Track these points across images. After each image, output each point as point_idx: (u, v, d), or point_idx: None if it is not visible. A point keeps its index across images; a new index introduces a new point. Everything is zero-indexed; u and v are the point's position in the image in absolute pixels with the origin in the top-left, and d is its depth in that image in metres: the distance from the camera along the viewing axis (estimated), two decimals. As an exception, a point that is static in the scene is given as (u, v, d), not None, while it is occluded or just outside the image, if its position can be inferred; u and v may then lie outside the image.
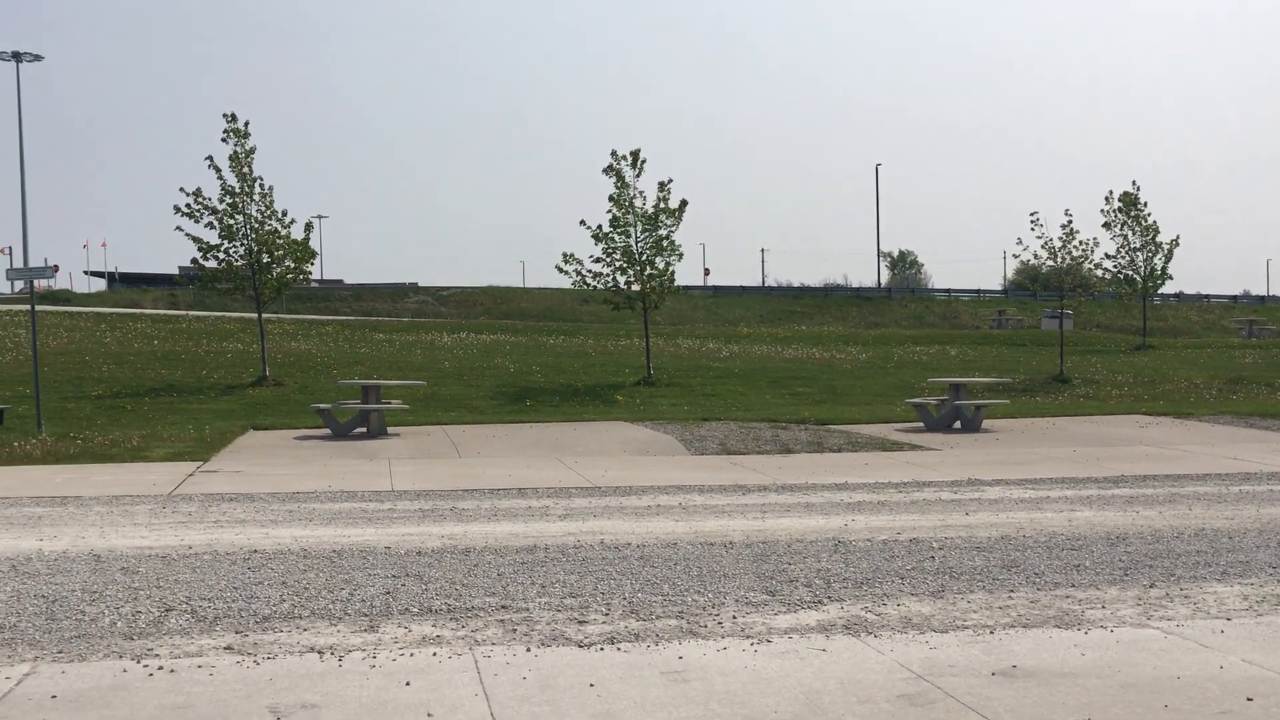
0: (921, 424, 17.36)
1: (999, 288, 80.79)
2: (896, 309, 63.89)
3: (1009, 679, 5.00)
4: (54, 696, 4.74)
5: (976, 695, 4.78)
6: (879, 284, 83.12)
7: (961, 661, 5.25)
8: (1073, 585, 6.79)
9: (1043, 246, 26.45)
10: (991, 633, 5.74)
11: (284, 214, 23.13)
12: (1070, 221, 26.50)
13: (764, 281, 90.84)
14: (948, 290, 74.15)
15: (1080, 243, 26.59)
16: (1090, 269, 28.95)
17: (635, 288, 24.39)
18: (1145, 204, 34.62)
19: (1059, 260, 26.59)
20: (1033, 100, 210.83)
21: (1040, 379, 26.54)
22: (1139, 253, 34.89)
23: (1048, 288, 32.26)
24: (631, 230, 24.05)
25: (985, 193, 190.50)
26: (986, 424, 17.40)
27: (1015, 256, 31.10)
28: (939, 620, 5.98)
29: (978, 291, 74.25)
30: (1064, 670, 5.12)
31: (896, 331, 49.23)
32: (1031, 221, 26.13)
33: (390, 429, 16.66)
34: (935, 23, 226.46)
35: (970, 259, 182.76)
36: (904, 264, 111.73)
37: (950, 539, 8.23)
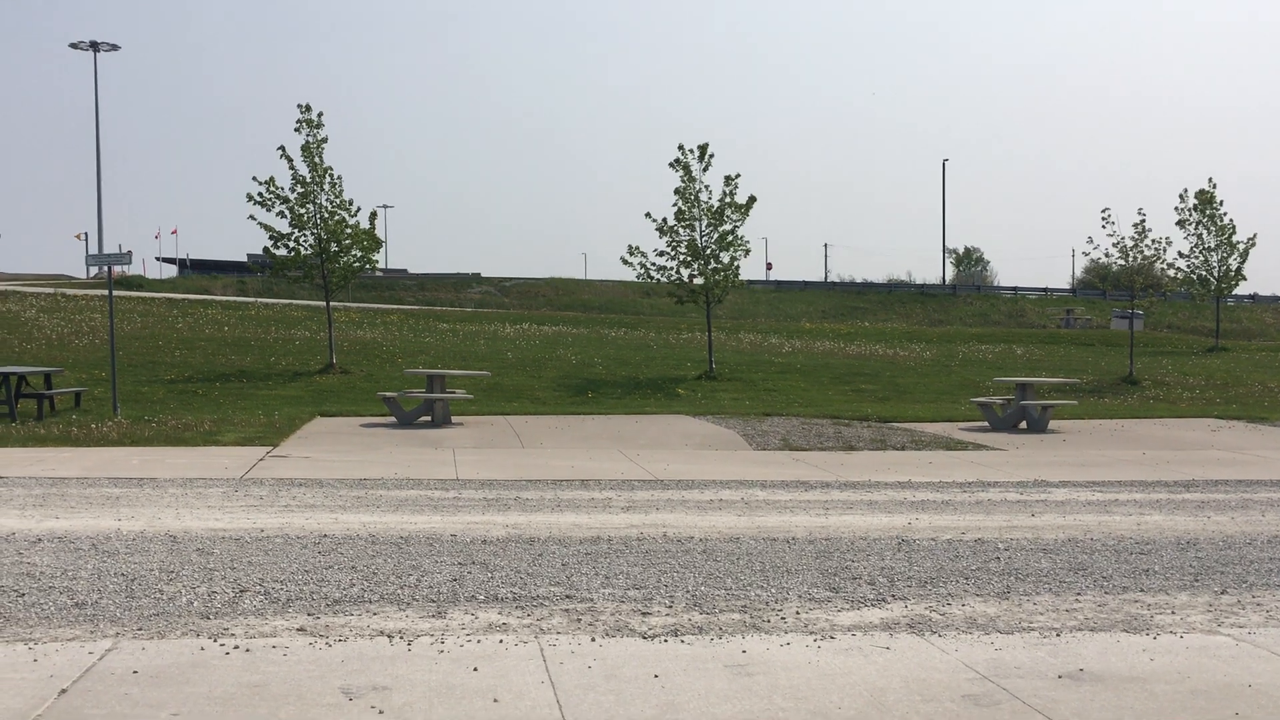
0: (986, 424, 17.18)
1: (1067, 286, 79.53)
2: (961, 306, 63.13)
3: (1076, 682, 4.96)
4: (135, 672, 4.89)
5: (1043, 698, 4.75)
6: (944, 281, 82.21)
7: (1027, 663, 5.22)
8: (1141, 590, 6.71)
9: (1114, 245, 25.98)
10: (1058, 635, 5.69)
11: (351, 203, 23.50)
12: (1143, 220, 26.03)
13: (826, 277, 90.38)
14: (1014, 288, 73.12)
15: (1153, 241, 26.08)
16: (1163, 269, 28.35)
17: (699, 281, 24.38)
18: (1221, 202, 33.87)
19: (1130, 259, 26.09)
20: (1107, 96, 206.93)
21: (1109, 380, 26.10)
22: (1213, 252, 34.14)
23: (1118, 287, 31.81)
24: (696, 224, 24.05)
25: (1054, 190, 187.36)
26: (1053, 425, 17.17)
27: (1085, 255, 30.56)
28: (1004, 621, 5.95)
29: (1045, 290, 73.11)
30: (1132, 675, 5.07)
31: (961, 329, 48.67)
32: (1103, 219, 25.71)
33: (454, 418, 16.85)
34: (1005, 20, 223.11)
35: (1038, 257, 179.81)
36: (969, 261, 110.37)
37: (1016, 540, 8.16)
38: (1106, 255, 26.59)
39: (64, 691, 4.63)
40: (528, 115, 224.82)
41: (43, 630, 5.51)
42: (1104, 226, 25.83)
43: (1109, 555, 7.68)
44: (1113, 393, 23.80)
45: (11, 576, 6.57)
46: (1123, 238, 25.89)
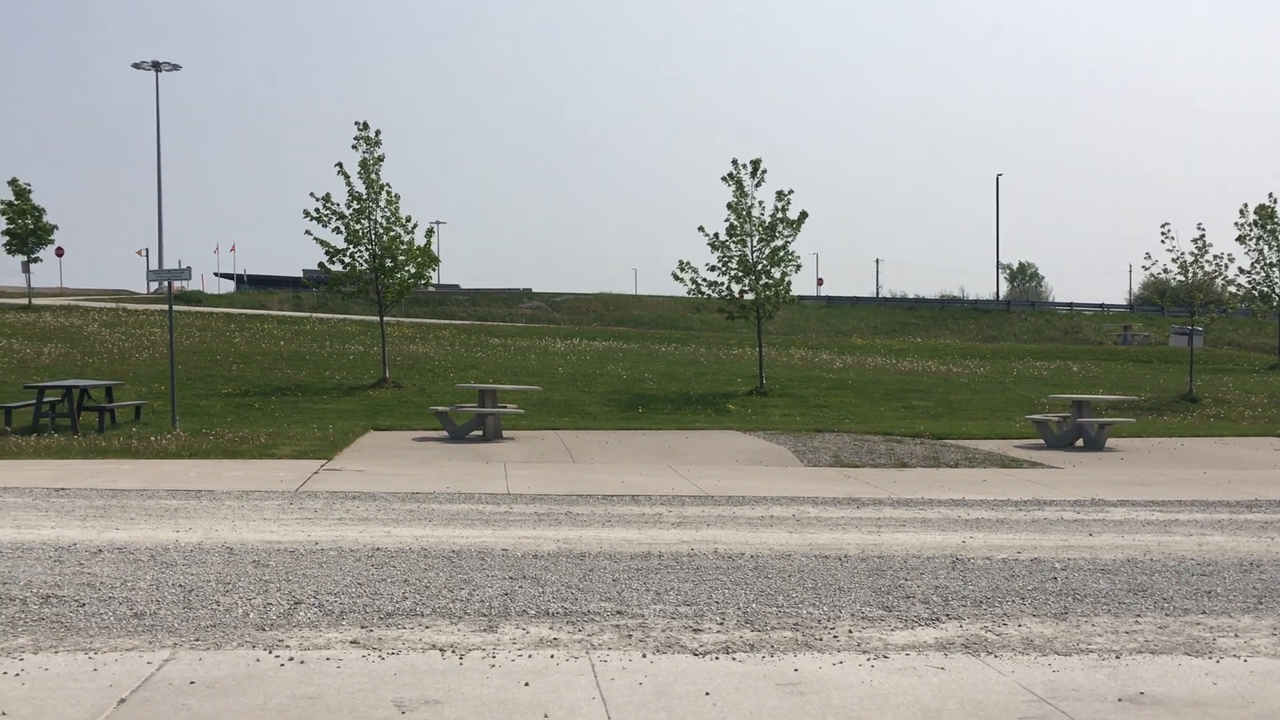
0: (1042, 441, 16.95)
1: (1124, 302, 78.45)
2: (1015, 322, 62.39)
3: (1136, 705, 4.86)
4: (192, 682, 4.96)
5: (1102, 721, 4.66)
6: (997, 297, 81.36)
7: (1086, 686, 5.12)
8: (1203, 612, 6.57)
9: (1173, 260, 25.56)
10: (1118, 657, 5.59)
11: (407, 220, 23.73)
12: (1203, 235, 25.57)
13: (878, 293, 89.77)
14: (1070, 304, 72.20)
15: (1214, 257, 25.61)
16: (1223, 285, 27.79)
17: (750, 297, 24.33)
18: (1283, 217, 33.16)
19: (1190, 275, 25.64)
20: (1166, 109, 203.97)
21: (1168, 398, 25.64)
22: (1275, 268, 33.44)
23: (1177, 303, 31.29)
24: (748, 239, 24.02)
25: (1111, 204, 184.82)
26: (1111, 443, 16.90)
27: (1144, 269, 30.03)
28: (1062, 643, 5.85)
29: (1102, 306, 72.11)
30: (1194, 699, 4.96)
31: (1015, 345, 48.09)
32: (1162, 234, 25.29)
33: (505, 433, 16.93)
34: (1058, 32, 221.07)
35: (1094, 272, 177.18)
36: (1024, 276, 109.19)
37: (1073, 560, 8.03)
38: (1165, 271, 26.16)
39: (123, 701, 4.70)
40: (578, 131, 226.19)
41: (102, 640, 5.60)
42: (1163, 242, 25.43)
43: (1169, 576, 7.53)
44: (1172, 411, 23.37)
45: (73, 586, 6.69)
46: (1182, 253, 25.46)
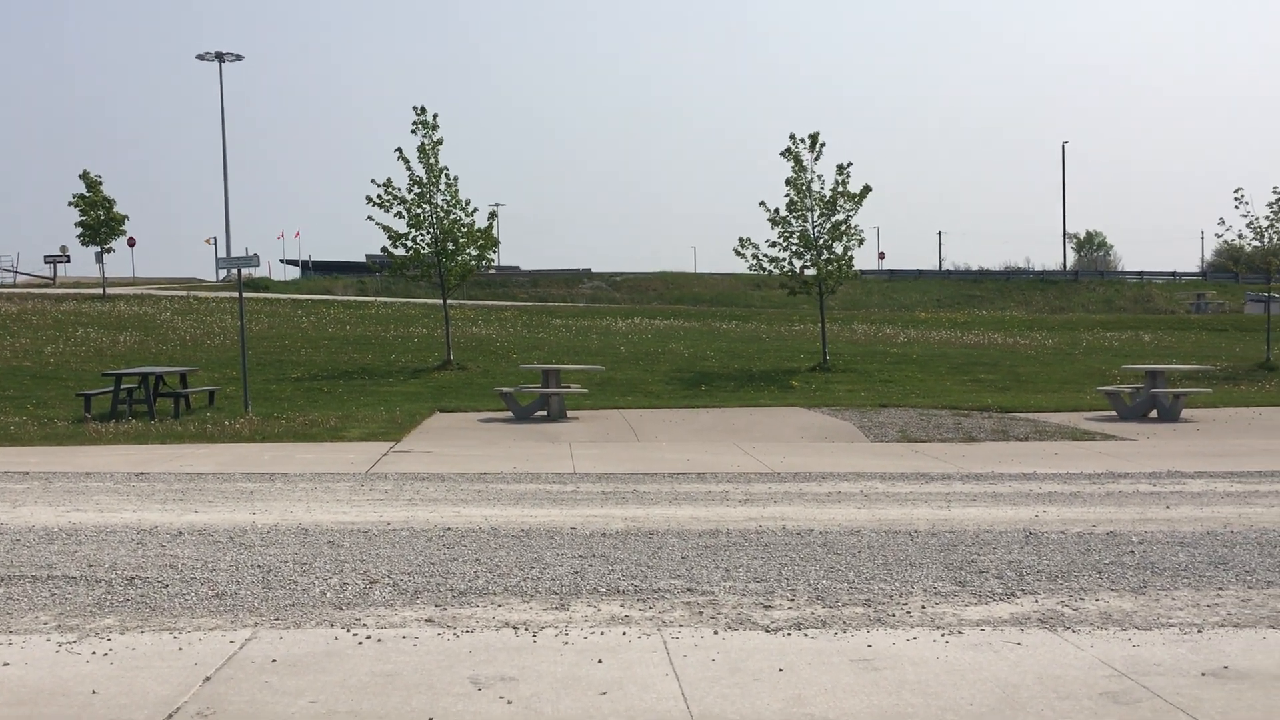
0: (1114, 413, 16.65)
1: (1197, 270, 76.70)
2: (1084, 293, 61.25)
3: (1220, 680, 4.77)
4: (274, 660, 5.06)
5: (1186, 696, 4.58)
6: (1064, 267, 79.91)
7: (1168, 660, 5.03)
8: (1288, 585, 6.41)
9: (1248, 226, 24.94)
10: (1200, 631, 5.48)
11: (467, 203, 23.89)
12: (1279, 199, 24.89)
13: (941, 265, 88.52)
14: (1140, 273, 70.69)
15: (1291, 221, 24.93)
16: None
17: (811, 272, 24.15)
18: (1364, 178, 32.17)
19: (1265, 240, 25.00)
20: (1236, 69, 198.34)
21: (1245, 366, 25.03)
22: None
23: (1252, 269, 30.45)
24: (809, 215, 23.83)
25: (1181, 170, 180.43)
26: (1186, 414, 16.55)
27: (1217, 236, 29.33)
28: (1141, 617, 5.75)
29: (1174, 274, 70.51)
30: (1281, 674, 4.85)
31: (1084, 316, 47.23)
32: (1235, 199, 24.67)
33: (569, 412, 17.01)
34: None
35: (1165, 239, 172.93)
36: (1091, 245, 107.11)
37: (1151, 533, 7.88)
38: (1240, 236, 25.59)
39: (208, 679, 4.81)
40: (634, 109, 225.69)
41: (186, 620, 5.73)
42: (1237, 207, 24.85)
43: (1251, 548, 7.36)
44: (1249, 379, 22.82)
45: (156, 568, 6.86)
46: (1257, 218, 24.84)
